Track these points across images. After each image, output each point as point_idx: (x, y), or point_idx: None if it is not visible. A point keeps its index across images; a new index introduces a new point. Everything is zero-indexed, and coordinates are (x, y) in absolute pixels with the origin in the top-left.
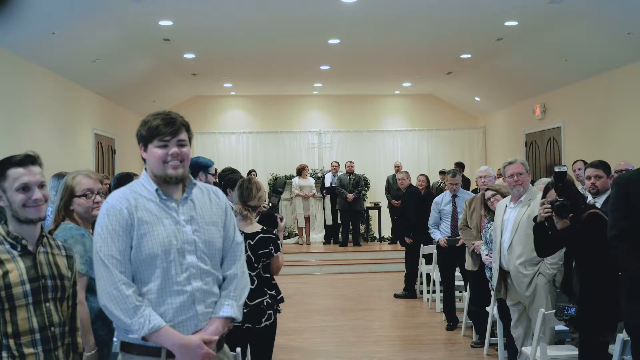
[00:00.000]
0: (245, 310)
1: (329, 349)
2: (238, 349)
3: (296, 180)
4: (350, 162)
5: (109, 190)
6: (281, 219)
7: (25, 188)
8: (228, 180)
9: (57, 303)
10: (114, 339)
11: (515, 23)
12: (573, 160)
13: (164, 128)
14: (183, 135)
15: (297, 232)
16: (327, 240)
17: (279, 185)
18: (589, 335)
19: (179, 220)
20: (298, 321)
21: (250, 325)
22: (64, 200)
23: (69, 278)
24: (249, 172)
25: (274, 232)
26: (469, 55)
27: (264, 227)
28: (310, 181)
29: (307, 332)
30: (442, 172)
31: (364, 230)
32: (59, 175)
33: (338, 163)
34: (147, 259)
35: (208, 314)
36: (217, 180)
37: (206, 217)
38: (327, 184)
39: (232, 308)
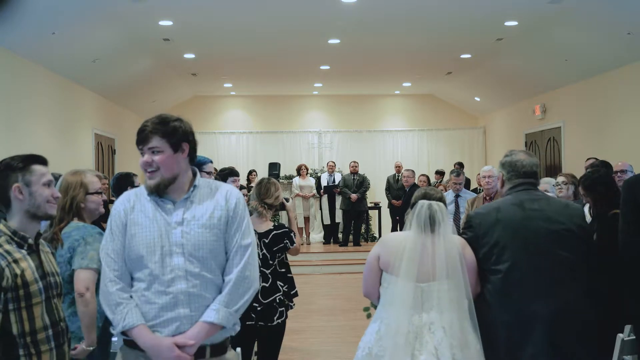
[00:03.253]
0: (258, 309)
1: (329, 349)
2: (238, 349)
3: (296, 180)
4: (355, 162)
5: (108, 190)
6: (287, 200)
7: (50, 185)
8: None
9: (59, 299)
10: (114, 338)
11: (515, 23)
12: (573, 160)
13: (137, 137)
14: (155, 143)
15: (297, 231)
16: (327, 240)
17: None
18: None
19: (170, 222)
20: (298, 321)
21: (262, 324)
22: (78, 198)
23: (60, 274)
24: (249, 173)
25: (285, 225)
26: (469, 55)
27: (276, 224)
28: (311, 181)
29: (307, 332)
30: (438, 172)
31: (364, 230)
32: (52, 176)
33: (334, 163)
34: (136, 259)
35: (194, 317)
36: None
37: (203, 220)
38: (324, 183)
39: (216, 313)
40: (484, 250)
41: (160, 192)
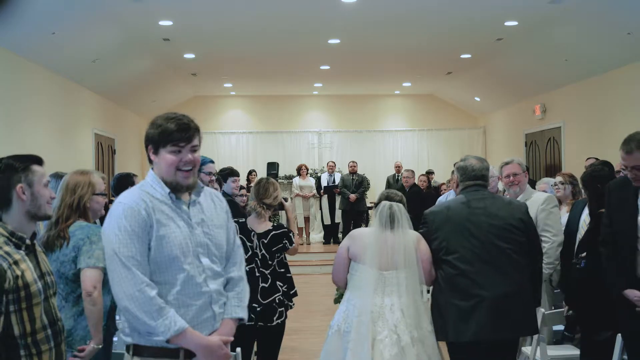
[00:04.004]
0: (258, 309)
1: None
2: (238, 349)
3: (296, 180)
4: (353, 162)
5: (108, 191)
6: (285, 200)
7: (47, 185)
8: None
9: (54, 298)
10: (114, 338)
11: (515, 23)
12: (573, 160)
13: (179, 134)
14: (196, 141)
15: (297, 232)
16: (327, 240)
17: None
18: (587, 334)
19: (192, 223)
20: (298, 321)
21: (262, 324)
22: (85, 197)
23: (64, 273)
24: (249, 173)
25: (285, 225)
26: (469, 55)
27: (275, 224)
28: (310, 181)
29: (307, 332)
30: (428, 172)
31: None
32: (56, 176)
33: (334, 163)
34: (167, 261)
35: (221, 314)
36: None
37: (214, 220)
38: (324, 183)
39: (242, 310)
40: (436, 243)
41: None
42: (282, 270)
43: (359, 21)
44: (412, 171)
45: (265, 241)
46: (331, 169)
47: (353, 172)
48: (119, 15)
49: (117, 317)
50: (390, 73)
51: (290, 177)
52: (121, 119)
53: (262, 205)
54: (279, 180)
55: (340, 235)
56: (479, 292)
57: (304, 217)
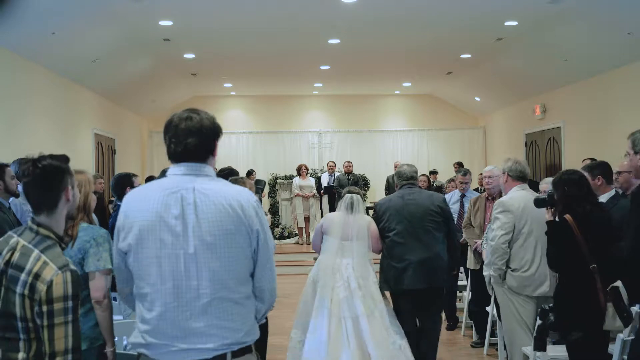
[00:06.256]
0: None
1: None
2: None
3: (296, 180)
4: (349, 162)
5: (108, 191)
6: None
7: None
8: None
9: None
10: (115, 339)
11: (515, 23)
12: (573, 160)
13: None
14: None
15: (297, 232)
16: None
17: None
18: (564, 335)
19: None
20: None
21: None
22: (90, 196)
23: None
24: (249, 173)
25: None
26: (469, 55)
27: None
28: (311, 181)
29: None
30: (432, 172)
31: None
32: None
33: (334, 163)
34: None
35: None
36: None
37: None
38: (324, 183)
39: None
40: (381, 225)
41: None
42: None
43: (359, 21)
44: None
45: None
46: (331, 169)
47: (348, 172)
48: (119, 15)
49: (118, 317)
50: (390, 73)
51: (290, 177)
52: (121, 119)
53: None
54: (279, 180)
55: None
56: (409, 257)
57: (304, 217)
